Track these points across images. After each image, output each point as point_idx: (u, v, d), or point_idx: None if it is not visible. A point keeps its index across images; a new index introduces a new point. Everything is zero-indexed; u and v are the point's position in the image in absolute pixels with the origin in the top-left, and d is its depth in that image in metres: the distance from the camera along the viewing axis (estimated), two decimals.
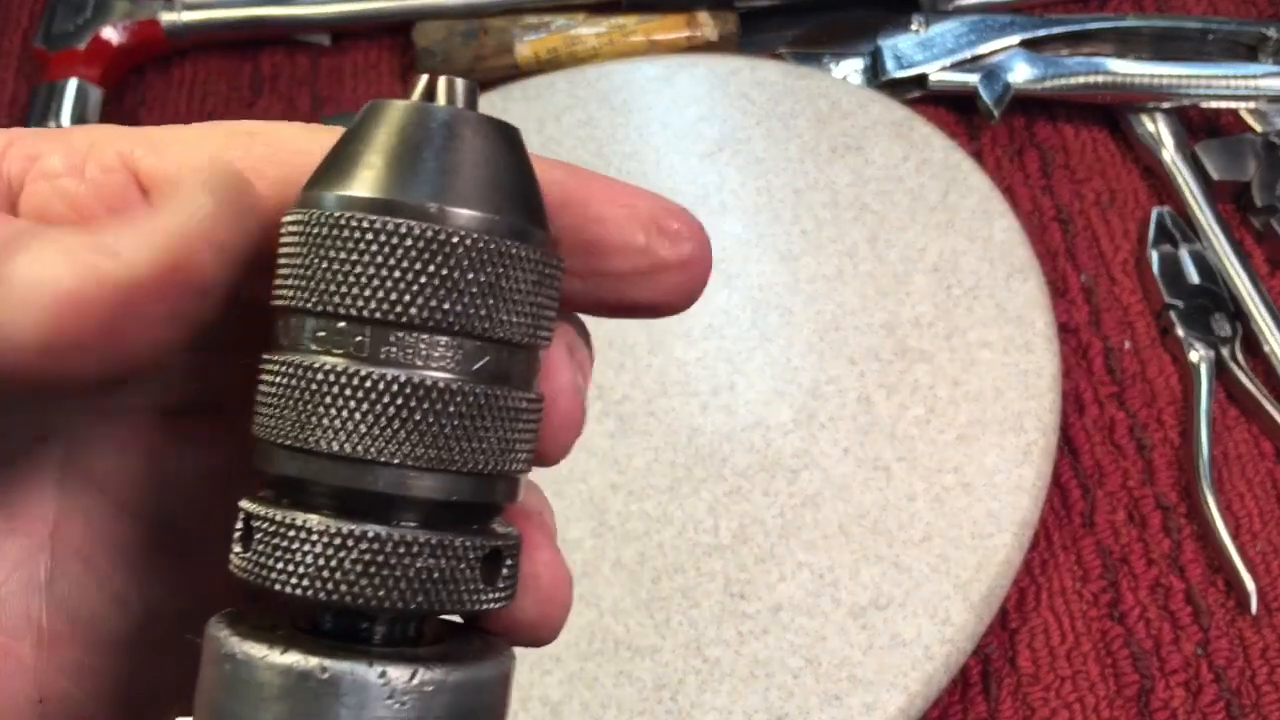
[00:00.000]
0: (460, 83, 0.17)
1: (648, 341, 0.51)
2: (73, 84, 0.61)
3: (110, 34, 0.63)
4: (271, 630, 0.16)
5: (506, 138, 0.17)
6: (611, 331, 0.51)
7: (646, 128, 0.58)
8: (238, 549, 0.17)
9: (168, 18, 0.64)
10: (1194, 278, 0.54)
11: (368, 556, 0.16)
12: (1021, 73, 0.60)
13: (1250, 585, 0.46)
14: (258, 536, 0.17)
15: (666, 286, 0.20)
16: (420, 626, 0.18)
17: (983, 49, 0.60)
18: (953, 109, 0.61)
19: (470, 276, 0.16)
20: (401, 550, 0.16)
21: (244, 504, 0.17)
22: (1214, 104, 0.59)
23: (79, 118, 0.60)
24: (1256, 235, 0.57)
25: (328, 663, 0.16)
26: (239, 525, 0.17)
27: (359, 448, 0.16)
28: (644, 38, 0.63)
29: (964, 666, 0.45)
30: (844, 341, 0.50)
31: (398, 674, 0.16)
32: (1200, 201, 0.56)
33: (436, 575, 0.16)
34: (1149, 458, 0.50)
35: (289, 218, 0.17)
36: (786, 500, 0.46)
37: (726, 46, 0.63)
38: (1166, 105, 0.59)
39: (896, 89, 0.61)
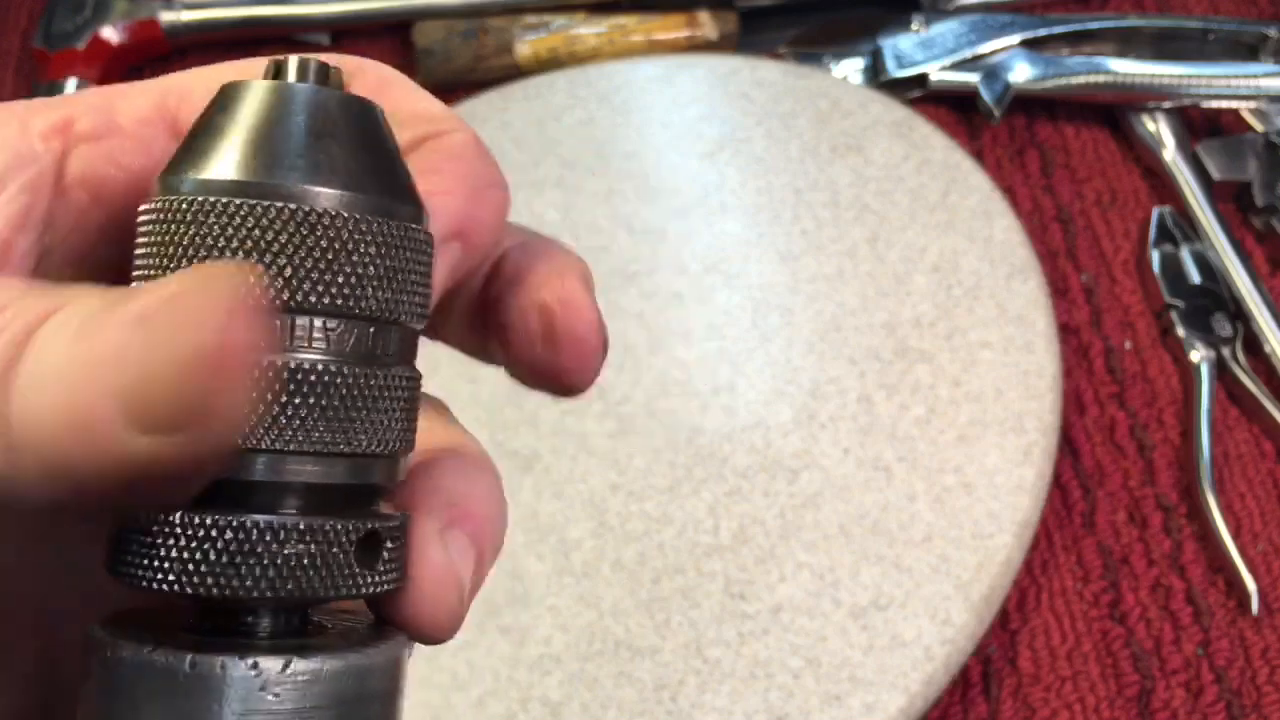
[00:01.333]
0: (313, 61, 0.17)
1: (648, 341, 0.51)
2: (72, 84, 0.61)
3: (109, 34, 0.63)
4: (150, 629, 0.16)
5: (365, 114, 0.17)
6: (612, 331, 0.51)
7: (647, 127, 0.58)
8: (108, 549, 0.16)
9: (167, 17, 0.64)
10: (1195, 277, 0.54)
11: (233, 547, 0.15)
12: (1022, 72, 0.59)
13: (1251, 585, 0.46)
14: (124, 534, 0.16)
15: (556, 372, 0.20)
16: (307, 617, 0.17)
17: (983, 48, 0.60)
18: (953, 109, 0.61)
19: (334, 255, 0.16)
20: (268, 538, 0.16)
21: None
22: (1215, 103, 0.59)
23: None
24: (1257, 235, 0.57)
25: (197, 657, 0.15)
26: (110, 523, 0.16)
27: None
28: (644, 37, 0.63)
29: (964, 667, 0.44)
30: (844, 341, 0.50)
31: (270, 664, 0.15)
32: (1201, 201, 0.56)
33: (306, 561, 0.16)
34: (1150, 458, 0.50)
35: (145, 207, 0.17)
36: (787, 500, 0.46)
37: (726, 46, 0.63)
38: (1167, 105, 0.59)
39: (897, 89, 0.61)
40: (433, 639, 0.18)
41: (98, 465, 0.14)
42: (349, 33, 0.66)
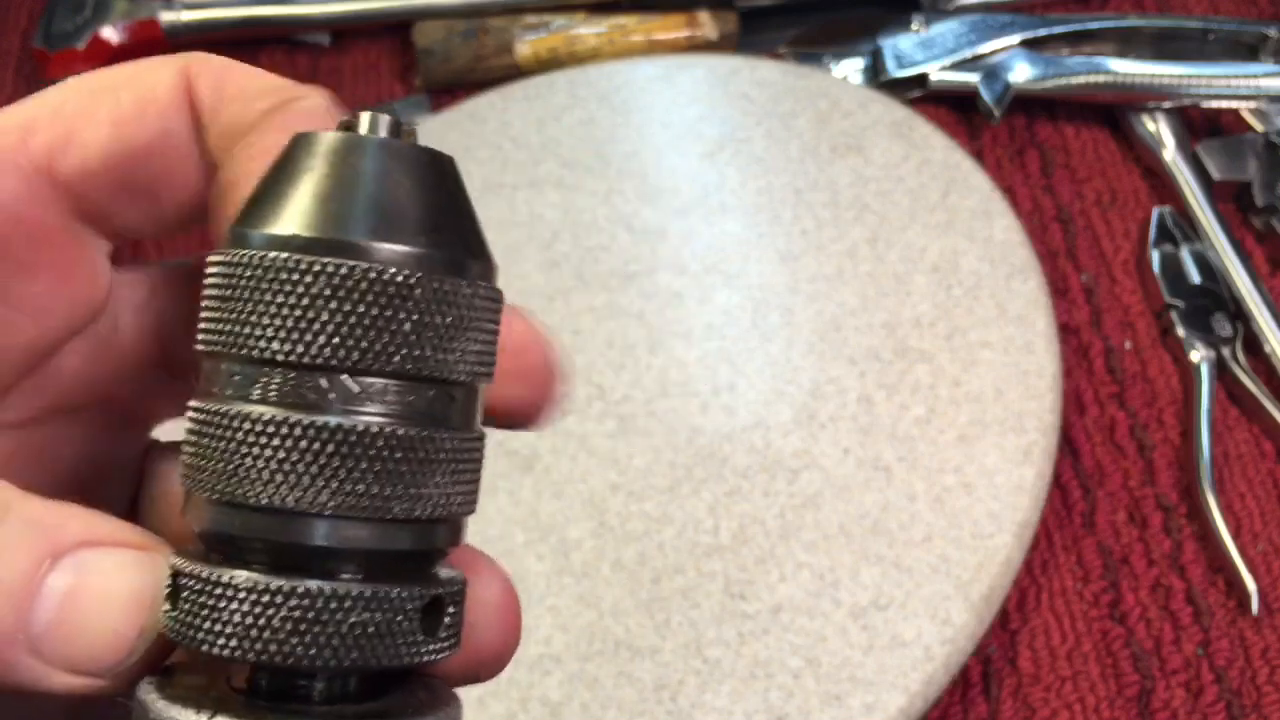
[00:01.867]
0: (384, 117, 0.17)
1: (648, 341, 0.51)
2: None
3: (109, 34, 0.63)
4: (203, 692, 0.16)
5: (439, 167, 0.17)
6: (612, 331, 0.51)
7: (647, 127, 0.58)
8: (166, 607, 0.16)
9: (167, 17, 0.64)
10: (1195, 277, 0.54)
11: (298, 614, 0.15)
12: (1022, 72, 0.59)
13: (1251, 585, 0.46)
14: (184, 594, 0.16)
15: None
16: (361, 681, 0.17)
17: (983, 48, 0.60)
18: (953, 109, 0.61)
19: (404, 315, 0.16)
20: (334, 605, 0.15)
21: (173, 559, 0.16)
22: (1215, 103, 0.59)
23: None
24: (1257, 235, 0.57)
25: None
26: (167, 582, 0.16)
27: (289, 500, 0.15)
28: (644, 37, 0.63)
29: (964, 667, 0.44)
30: (844, 341, 0.50)
31: None
32: (1201, 201, 0.56)
33: (372, 630, 0.15)
34: (1150, 458, 0.50)
35: (214, 258, 0.16)
36: (787, 500, 0.46)
37: (726, 46, 0.63)
38: (1167, 105, 0.59)
39: (897, 89, 0.61)
40: (496, 673, 0.19)
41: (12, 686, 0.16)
42: (349, 33, 0.66)
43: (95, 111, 0.19)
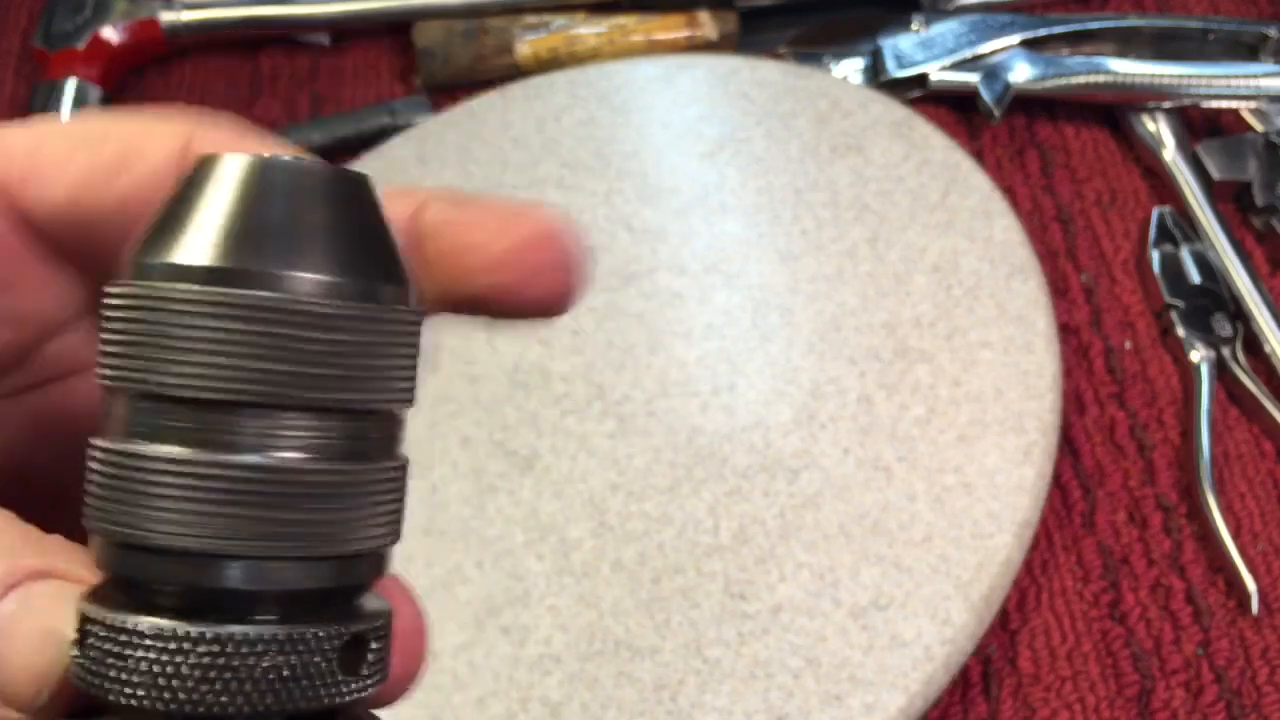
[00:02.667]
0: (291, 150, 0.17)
1: (648, 341, 0.51)
2: (72, 83, 0.61)
3: (109, 34, 0.63)
4: None
5: (351, 189, 0.16)
6: (612, 331, 0.51)
7: (647, 127, 0.58)
8: (74, 654, 0.15)
9: (167, 17, 0.64)
10: (1195, 278, 0.54)
11: (207, 660, 0.14)
12: (1022, 72, 0.60)
13: (1251, 585, 0.46)
14: (90, 640, 0.15)
15: (534, 297, 0.20)
16: None
17: (983, 48, 0.60)
18: (953, 109, 0.61)
19: (316, 347, 0.15)
20: (244, 650, 0.15)
21: (80, 604, 0.15)
22: (1215, 103, 0.59)
23: None
24: (1257, 235, 0.57)
25: None
26: (77, 627, 0.15)
27: (198, 542, 0.15)
28: (644, 37, 0.63)
29: (964, 667, 0.44)
30: (844, 341, 0.50)
31: None
32: (1201, 201, 0.56)
33: (288, 673, 0.15)
34: (1150, 458, 0.50)
35: (113, 289, 0.15)
36: (787, 500, 0.46)
37: (726, 46, 0.63)
38: (1167, 105, 0.59)
39: (897, 89, 0.61)
40: (402, 696, 0.18)
41: None
42: (349, 33, 0.66)
43: (70, 157, 0.19)
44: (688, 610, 0.44)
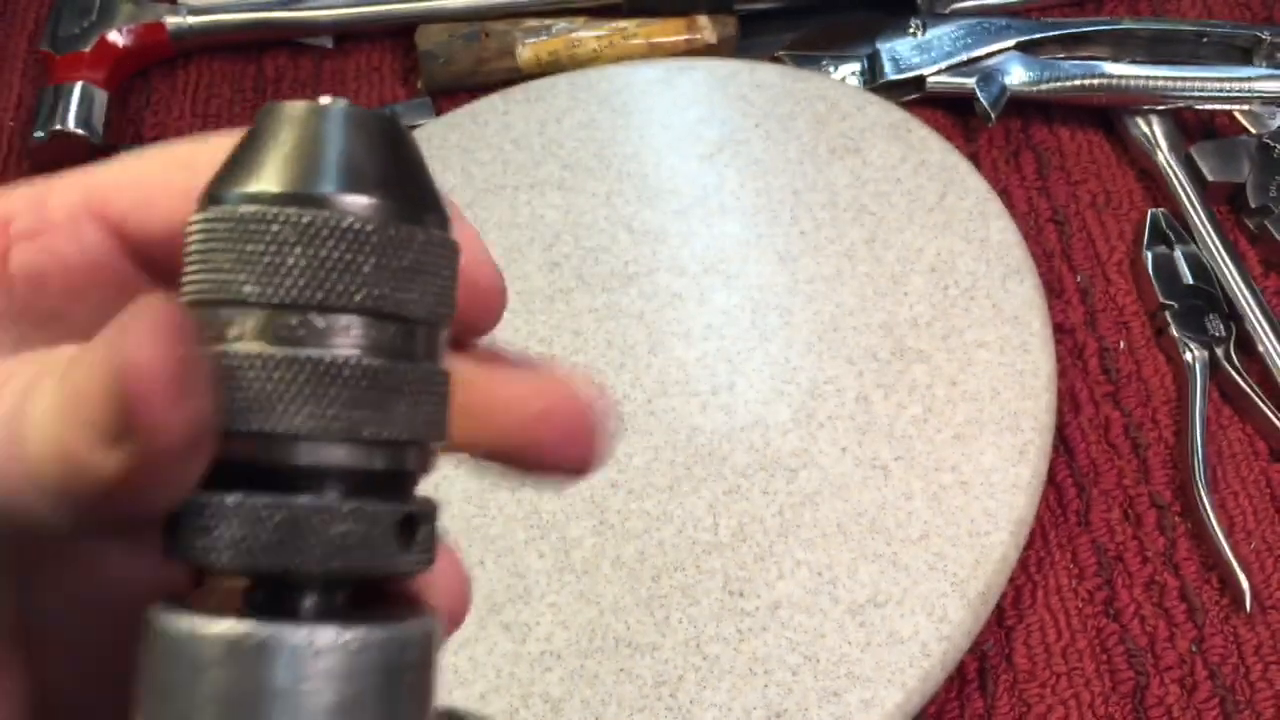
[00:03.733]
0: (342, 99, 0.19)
1: (648, 341, 0.51)
2: (78, 87, 0.61)
3: (115, 37, 0.63)
4: (204, 606, 0.17)
5: (393, 130, 0.18)
6: (612, 331, 0.52)
7: (647, 129, 0.58)
8: (165, 536, 0.17)
9: (172, 21, 0.65)
10: (1188, 278, 0.55)
11: (285, 526, 0.17)
12: (1018, 75, 0.60)
13: (1244, 583, 0.46)
14: (182, 520, 0.17)
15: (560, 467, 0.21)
16: (347, 597, 0.18)
17: (979, 52, 0.61)
18: (950, 111, 0.62)
19: (365, 258, 0.17)
20: (316, 519, 0.17)
21: None
22: (1209, 106, 0.60)
23: (84, 120, 0.61)
24: (1251, 236, 0.57)
25: (256, 628, 0.16)
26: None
27: (275, 425, 0.17)
28: (644, 41, 0.64)
29: (961, 663, 0.45)
30: (842, 341, 0.51)
31: (324, 634, 0.16)
32: (1195, 203, 0.57)
33: (353, 540, 0.17)
34: (1144, 456, 0.51)
35: (194, 219, 0.18)
36: (785, 499, 0.47)
37: (725, 49, 0.64)
38: (1161, 107, 0.60)
39: (894, 91, 0.61)
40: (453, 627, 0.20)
41: (88, 487, 0.16)
42: (351, 36, 0.67)
43: (169, 187, 0.20)
44: (687, 607, 0.45)
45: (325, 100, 0.18)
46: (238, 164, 0.18)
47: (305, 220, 0.17)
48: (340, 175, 0.17)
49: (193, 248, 0.18)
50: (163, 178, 0.20)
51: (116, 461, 0.16)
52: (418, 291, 0.18)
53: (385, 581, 0.18)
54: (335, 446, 0.17)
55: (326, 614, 0.17)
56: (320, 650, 0.16)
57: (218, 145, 0.19)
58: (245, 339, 0.17)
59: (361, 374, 0.17)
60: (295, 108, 0.18)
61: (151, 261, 0.20)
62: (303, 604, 0.17)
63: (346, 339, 0.17)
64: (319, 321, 0.17)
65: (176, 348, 0.16)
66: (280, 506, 0.17)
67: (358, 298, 0.17)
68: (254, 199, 0.17)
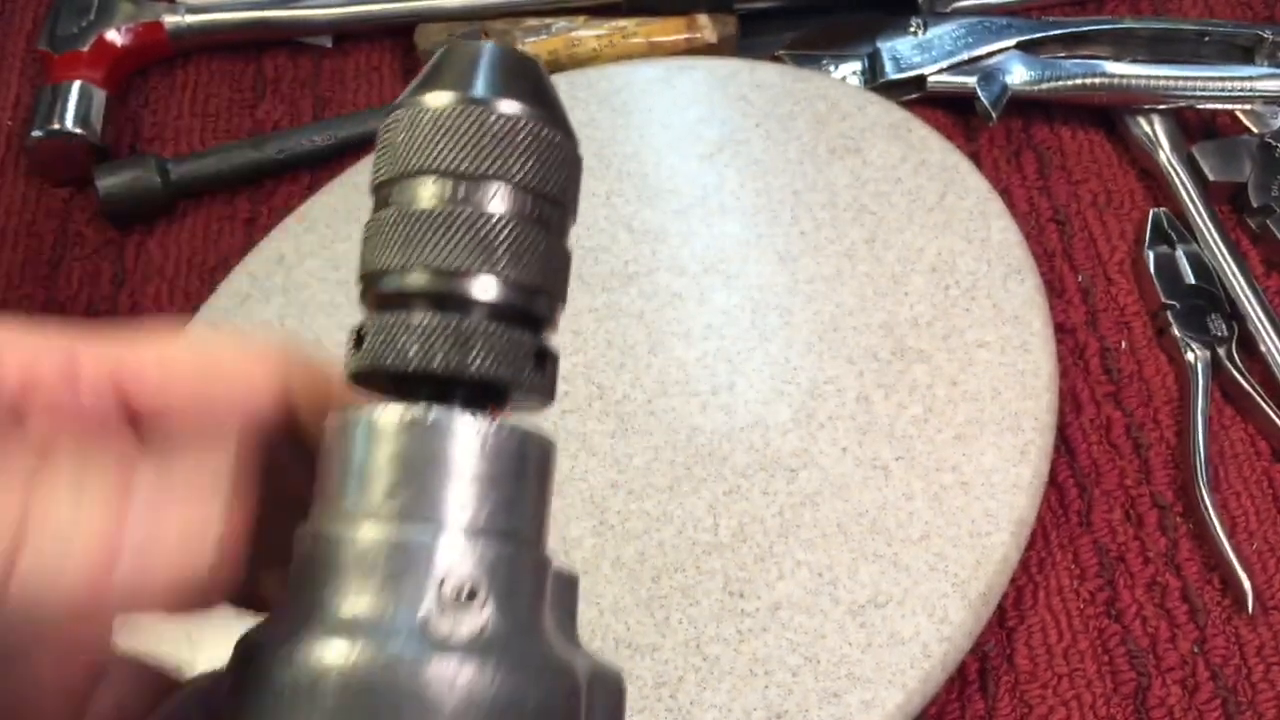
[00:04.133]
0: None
1: (648, 341, 0.51)
2: (76, 86, 0.61)
3: (114, 36, 0.63)
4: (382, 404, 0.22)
5: (538, 69, 0.23)
6: (612, 331, 0.52)
7: (647, 129, 0.58)
8: (349, 356, 0.22)
9: (171, 20, 0.65)
10: (1190, 278, 0.55)
11: (455, 337, 0.21)
12: (1019, 74, 0.60)
13: (1246, 584, 0.46)
14: (369, 336, 0.22)
15: None
16: (490, 403, 0.22)
17: (980, 51, 0.61)
18: (950, 111, 0.62)
19: (522, 145, 0.22)
20: (479, 334, 0.22)
21: (358, 323, 0.22)
22: (1210, 105, 0.60)
23: (83, 119, 0.60)
24: (1252, 236, 0.57)
25: (428, 410, 0.21)
26: (350, 339, 0.22)
27: (447, 263, 0.22)
28: (643, 40, 0.63)
29: (962, 664, 0.45)
30: (842, 341, 0.50)
31: (479, 420, 0.21)
32: (1196, 202, 0.57)
33: (503, 355, 0.22)
34: (1145, 457, 0.51)
35: (390, 118, 0.23)
36: (785, 499, 0.47)
37: (725, 49, 0.64)
38: (1163, 107, 0.60)
39: (894, 91, 0.61)
40: None
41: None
42: (351, 35, 0.67)
43: (192, 386, 0.22)
44: (687, 608, 0.45)
45: (489, 42, 0.23)
46: (427, 78, 0.22)
47: (474, 114, 0.22)
48: (506, 89, 0.22)
49: (384, 139, 0.22)
50: (190, 370, 0.22)
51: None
52: (556, 179, 0.23)
53: (512, 400, 0.23)
54: (490, 283, 0.22)
55: (479, 409, 0.22)
56: (483, 433, 0.21)
57: (239, 349, 0.22)
58: (423, 201, 0.22)
59: (512, 230, 0.22)
60: (467, 45, 0.23)
61: (139, 418, 0.21)
62: (461, 399, 0.22)
63: (503, 205, 0.22)
64: (480, 187, 0.22)
65: None
66: (452, 324, 0.21)
67: (512, 171, 0.22)
68: (438, 100, 0.22)
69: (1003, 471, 0.47)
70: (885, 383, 0.49)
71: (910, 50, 0.62)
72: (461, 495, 0.21)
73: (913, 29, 0.62)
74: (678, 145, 0.57)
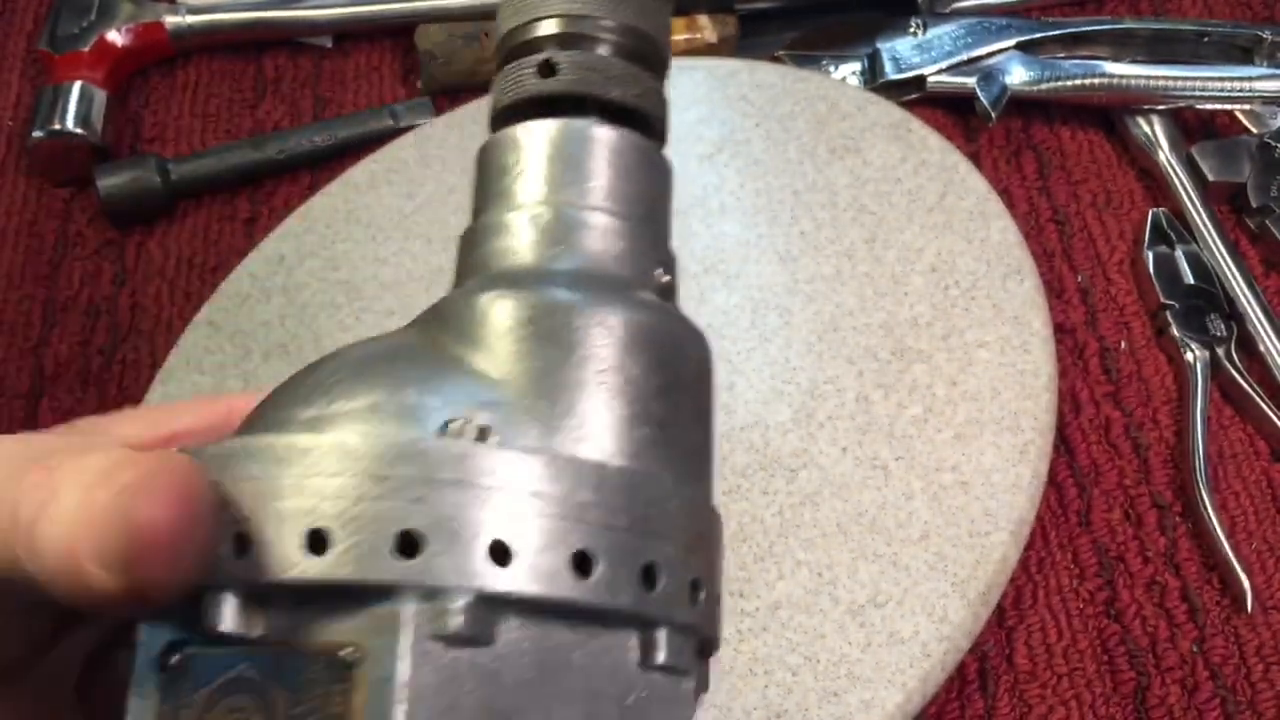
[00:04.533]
0: None
1: None
2: (77, 86, 0.61)
3: (114, 36, 0.63)
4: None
5: None
6: None
7: None
8: (496, 72, 0.24)
9: (172, 20, 0.65)
10: (1189, 278, 0.55)
11: (593, 68, 0.23)
12: (1018, 75, 0.60)
13: (1245, 583, 0.46)
14: (504, 70, 0.24)
15: None
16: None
17: (980, 51, 0.61)
18: (950, 111, 0.62)
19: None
20: (611, 65, 0.24)
21: (499, 68, 0.24)
22: (1209, 106, 0.60)
23: (83, 120, 0.61)
24: (1251, 236, 0.57)
25: (578, 121, 0.23)
26: (495, 83, 0.24)
27: (590, 11, 0.24)
28: None
29: (961, 664, 0.45)
30: (842, 341, 0.51)
31: (614, 128, 0.24)
32: (1196, 202, 0.57)
33: (631, 83, 0.24)
34: (1145, 457, 0.51)
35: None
36: (785, 499, 0.47)
37: (726, 49, 0.64)
38: (1162, 107, 0.60)
39: (894, 91, 0.61)
40: None
41: (84, 592, 0.18)
42: (351, 35, 0.67)
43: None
44: None
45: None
46: None
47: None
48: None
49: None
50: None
51: (115, 583, 0.18)
52: (650, 23, 0.25)
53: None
54: (614, 28, 0.24)
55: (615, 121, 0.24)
56: (610, 135, 0.24)
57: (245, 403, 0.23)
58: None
59: None
60: None
61: None
62: (600, 109, 0.24)
63: (610, 41, 0.24)
64: (600, 21, 0.24)
65: (188, 511, 0.18)
66: (589, 57, 0.23)
67: (619, 14, 0.24)
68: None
69: (1002, 471, 0.47)
70: (885, 383, 0.49)
71: (910, 50, 0.62)
72: (613, 187, 0.23)
73: (912, 29, 0.62)
74: (677, 145, 0.57)
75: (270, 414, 0.20)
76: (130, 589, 0.18)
